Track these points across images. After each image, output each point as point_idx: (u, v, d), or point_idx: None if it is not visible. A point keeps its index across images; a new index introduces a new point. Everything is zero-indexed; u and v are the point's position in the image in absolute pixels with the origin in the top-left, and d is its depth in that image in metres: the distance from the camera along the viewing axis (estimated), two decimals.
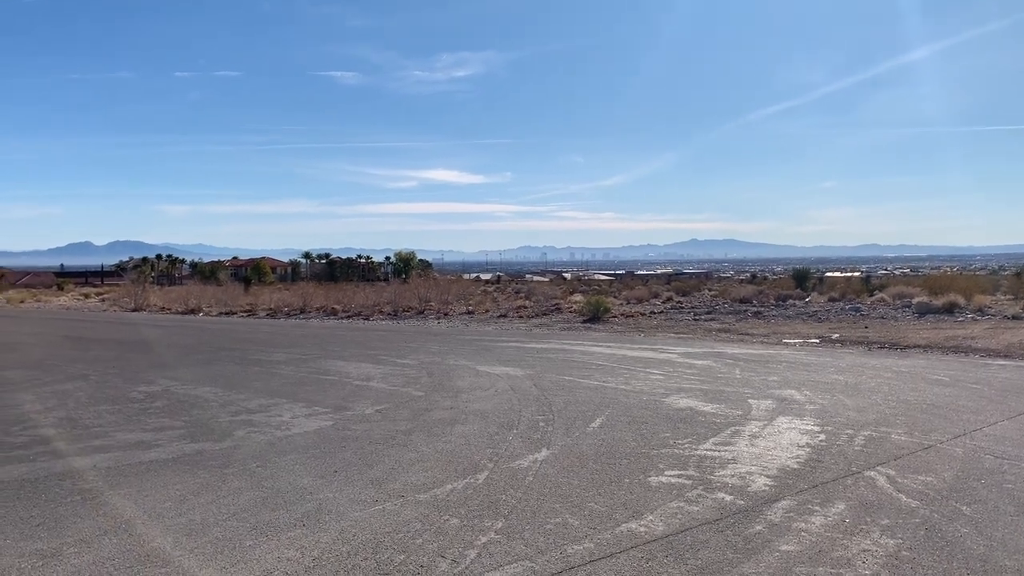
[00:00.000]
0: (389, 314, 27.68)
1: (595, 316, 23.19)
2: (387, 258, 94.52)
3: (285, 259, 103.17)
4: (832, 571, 4.18)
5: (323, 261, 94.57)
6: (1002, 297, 25.89)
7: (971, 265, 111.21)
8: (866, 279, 41.84)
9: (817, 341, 16.55)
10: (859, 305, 25.24)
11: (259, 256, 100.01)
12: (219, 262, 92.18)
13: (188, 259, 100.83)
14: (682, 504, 5.30)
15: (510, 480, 5.91)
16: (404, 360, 13.67)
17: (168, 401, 9.76)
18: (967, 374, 11.29)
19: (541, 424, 7.94)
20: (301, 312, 30.07)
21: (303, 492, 5.72)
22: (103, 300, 44.65)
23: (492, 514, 5.13)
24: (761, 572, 4.17)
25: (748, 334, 18.11)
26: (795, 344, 16.10)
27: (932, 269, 78.81)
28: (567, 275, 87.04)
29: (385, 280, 65.95)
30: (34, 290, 60.02)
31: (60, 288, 64.11)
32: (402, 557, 4.41)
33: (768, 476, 5.97)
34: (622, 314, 24.45)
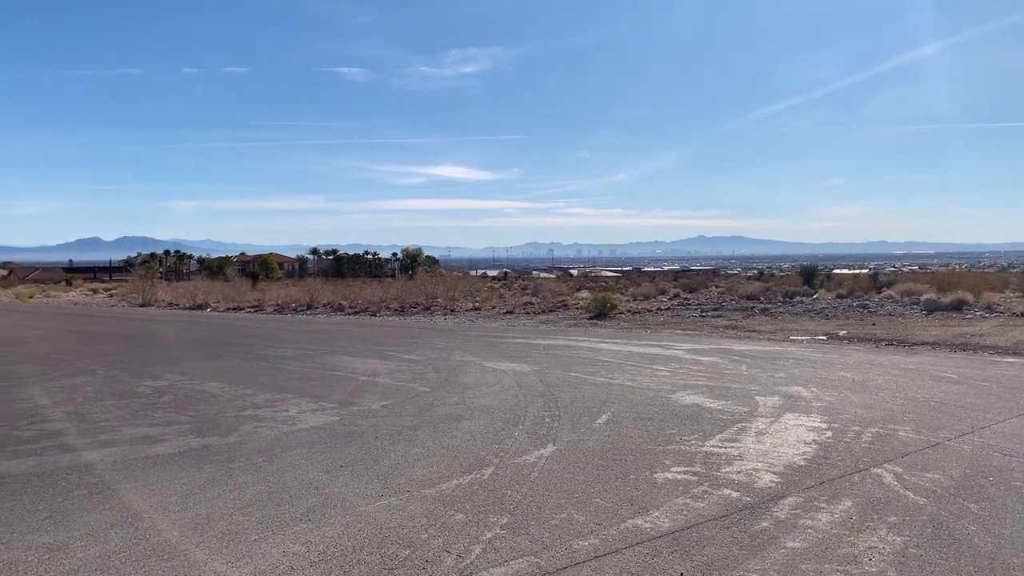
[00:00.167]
0: (396, 310, 27.71)
1: (602, 313, 23.15)
2: (394, 254, 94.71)
3: (292, 255, 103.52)
4: (839, 568, 4.16)
5: (330, 257, 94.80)
6: (1011, 294, 25.74)
7: (980, 262, 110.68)
8: (874, 276, 41.69)
9: (824, 338, 16.48)
10: (867, 302, 25.12)
11: (266, 252, 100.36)
12: (227, 258, 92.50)
13: (196, 255, 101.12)
14: (688, 500, 5.29)
15: (515, 476, 5.91)
16: (410, 356, 13.69)
17: (175, 396, 9.79)
18: (975, 371, 11.23)
19: (547, 420, 7.93)
20: (308, 308, 30.15)
21: (309, 487, 5.73)
22: (111, 295, 44.87)
23: (497, 509, 5.12)
24: (767, 569, 4.16)
25: (755, 331, 18.06)
26: (802, 341, 16.05)
27: (941, 266, 78.47)
28: (574, 272, 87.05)
29: (392, 276, 66.04)
30: (43, 285, 60.38)
31: (69, 283, 64.44)
32: (407, 552, 4.42)
33: (774, 473, 5.95)
34: (629, 311, 24.41)
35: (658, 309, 25.41)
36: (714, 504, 5.21)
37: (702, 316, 22.52)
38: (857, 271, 61.66)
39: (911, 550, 4.40)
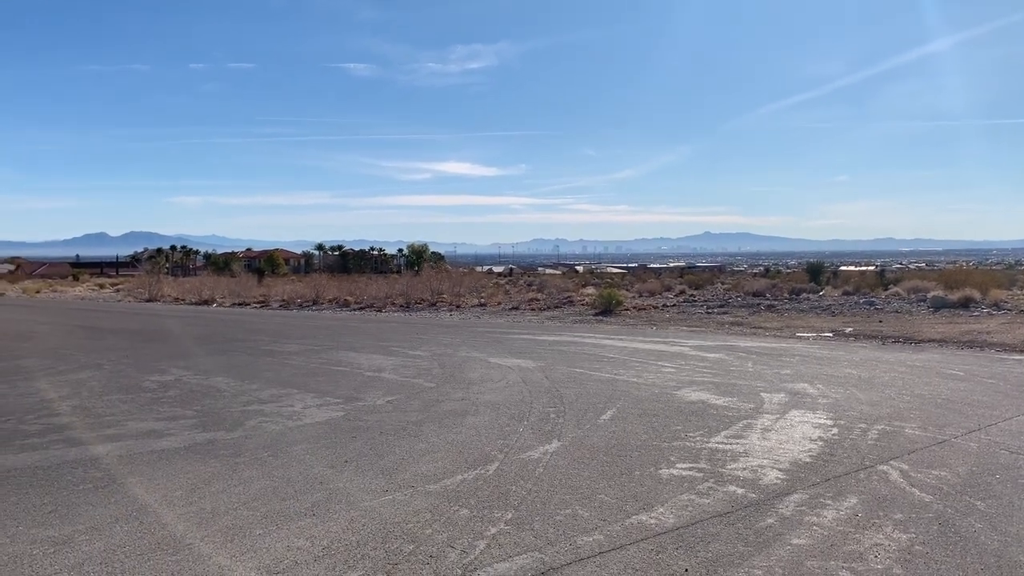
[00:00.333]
0: (401, 306, 27.74)
1: (607, 309, 23.14)
2: (400, 250, 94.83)
3: (298, 251, 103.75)
4: (844, 565, 4.14)
5: (336, 253, 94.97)
6: (1018, 292, 25.62)
7: (987, 259, 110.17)
8: (881, 273, 41.49)
9: (831, 335, 16.44)
10: (873, 299, 25.04)
11: (272, 248, 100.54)
12: (233, 253, 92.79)
13: (202, 250, 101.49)
14: (693, 497, 5.28)
15: (520, 471, 5.91)
16: (416, 351, 13.69)
17: (181, 390, 9.82)
18: (982, 369, 11.18)
19: (552, 416, 7.93)
20: (314, 303, 30.20)
21: (313, 481, 5.74)
22: (118, 290, 45.06)
23: (502, 505, 5.12)
24: (772, 565, 4.14)
25: (761, 327, 18.02)
26: (808, 338, 16.00)
27: (948, 263, 78.08)
28: (579, 268, 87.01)
29: (397, 272, 66.14)
30: (50, 280, 60.68)
31: (76, 278, 64.75)
32: (411, 547, 4.42)
33: (780, 469, 5.93)
34: (634, 307, 24.39)
35: (664, 306, 25.37)
36: (719, 500, 5.20)
37: (708, 313, 22.47)
38: (864, 268, 61.46)
39: (917, 547, 4.39)
